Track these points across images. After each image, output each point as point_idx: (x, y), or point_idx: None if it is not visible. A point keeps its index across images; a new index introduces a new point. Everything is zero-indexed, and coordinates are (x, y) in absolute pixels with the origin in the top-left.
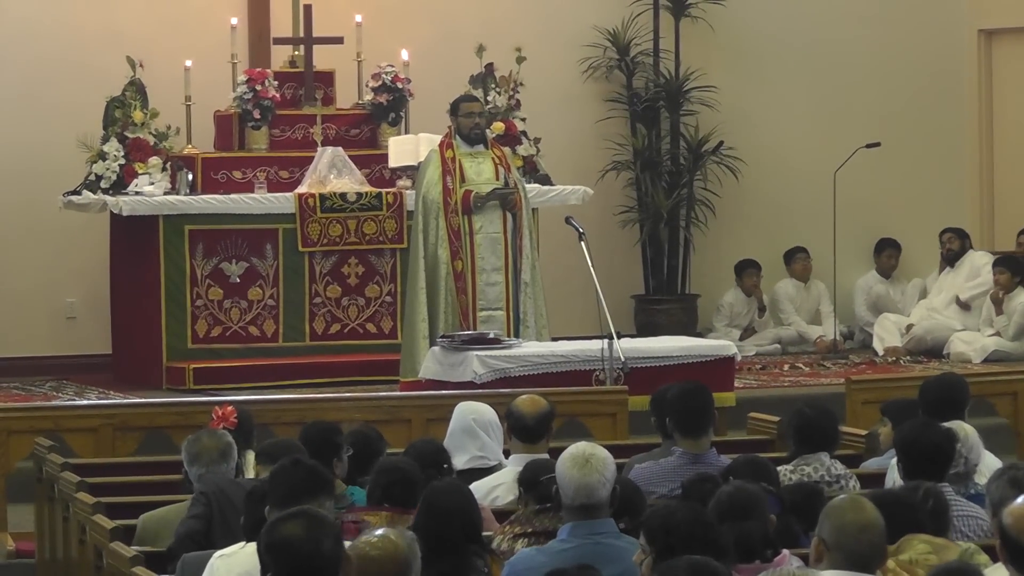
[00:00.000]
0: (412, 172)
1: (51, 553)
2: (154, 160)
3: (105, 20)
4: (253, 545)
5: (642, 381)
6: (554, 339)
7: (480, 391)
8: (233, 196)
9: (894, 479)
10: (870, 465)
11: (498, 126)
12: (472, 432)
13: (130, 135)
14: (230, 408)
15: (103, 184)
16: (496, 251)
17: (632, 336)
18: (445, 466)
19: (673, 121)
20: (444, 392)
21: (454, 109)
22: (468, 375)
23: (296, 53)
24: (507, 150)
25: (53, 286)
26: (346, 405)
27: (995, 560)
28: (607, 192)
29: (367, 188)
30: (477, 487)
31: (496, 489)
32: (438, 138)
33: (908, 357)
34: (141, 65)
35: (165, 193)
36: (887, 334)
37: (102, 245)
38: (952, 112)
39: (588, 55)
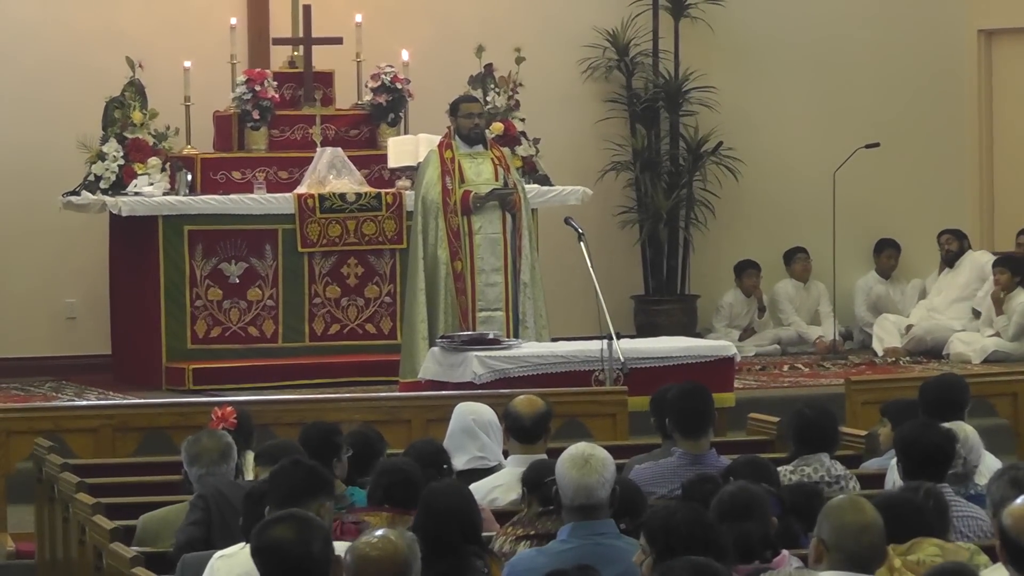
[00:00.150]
0: (411, 172)
1: (51, 554)
2: (153, 160)
3: (105, 20)
4: None
5: (642, 382)
6: (554, 340)
7: (480, 392)
8: (232, 196)
9: (894, 480)
10: (870, 466)
11: (497, 126)
12: (472, 432)
13: (129, 135)
14: (229, 409)
15: (102, 184)
16: (495, 252)
17: (632, 337)
18: (445, 467)
19: (672, 121)
20: (444, 393)
21: (453, 109)
22: (468, 376)
23: (295, 53)
24: (506, 150)
25: (53, 287)
26: (346, 406)
27: (995, 560)
28: (606, 192)
29: (366, 188)
30: (476, 488)
31: (495, 490)
32: (437, 138)
33: (908, 357)
34: (140, 65)
35: (164, 193)
36: (887, 335)
37: (101, 246)
38: (952, 112)
39: (587, 55)
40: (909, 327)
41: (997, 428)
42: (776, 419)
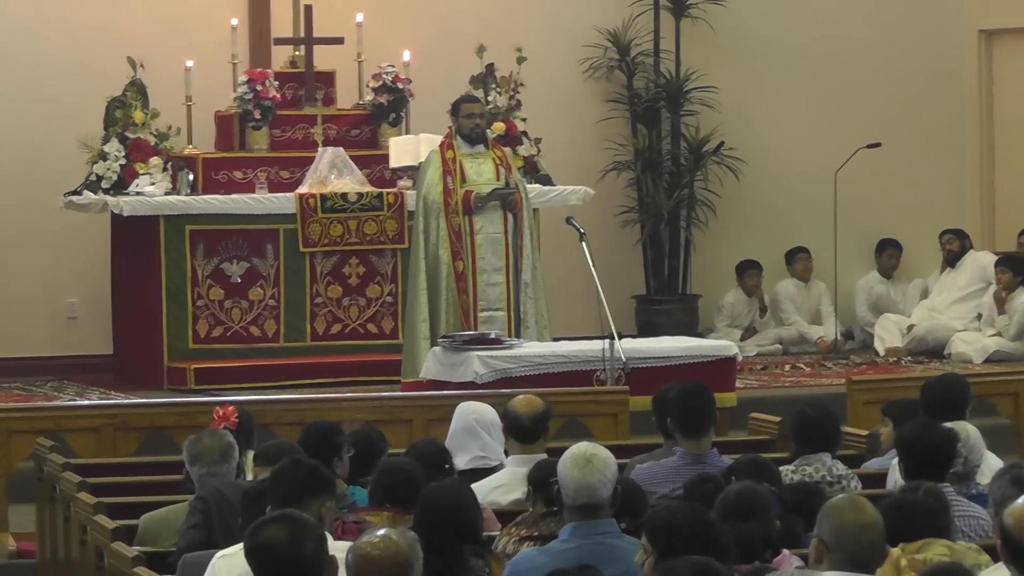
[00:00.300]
0: (413, 172)
1: (52, 553)
2: (155, 160)
3: (106, 20)
4: None
5: (643, 381)
6: (555, 339)
7: (481, 391)
8: (234, 196)
9: (895, 479)
10: (871, 465)
11: (499, 126)
12: (474, 432)
13: (131, 135)
14: (231, 408)
15: (104, 184)
16: (497, 251)
17: (633, 336)
18: (446, 466)
19: (674, 121)
20: (445, 392)
21: (455, 109)
22: (469, 375)
23: (297, 53)
24: (508, 150)
25: (54, 286)
26: (347, 405)
27: (996, 560)
28: (608, 192)
29: (368, 188)
30: (476, 488)
31: (495, 491)
32: (439, 138)
33: (909, 357)
34: (142, 65)
35: (166, 193)
36: (888, 334)
37: (103, 245)
38: (953, 112)
39: (589, 55)
40: (910, 327)
41: (998, 428)
42: (777, 419)
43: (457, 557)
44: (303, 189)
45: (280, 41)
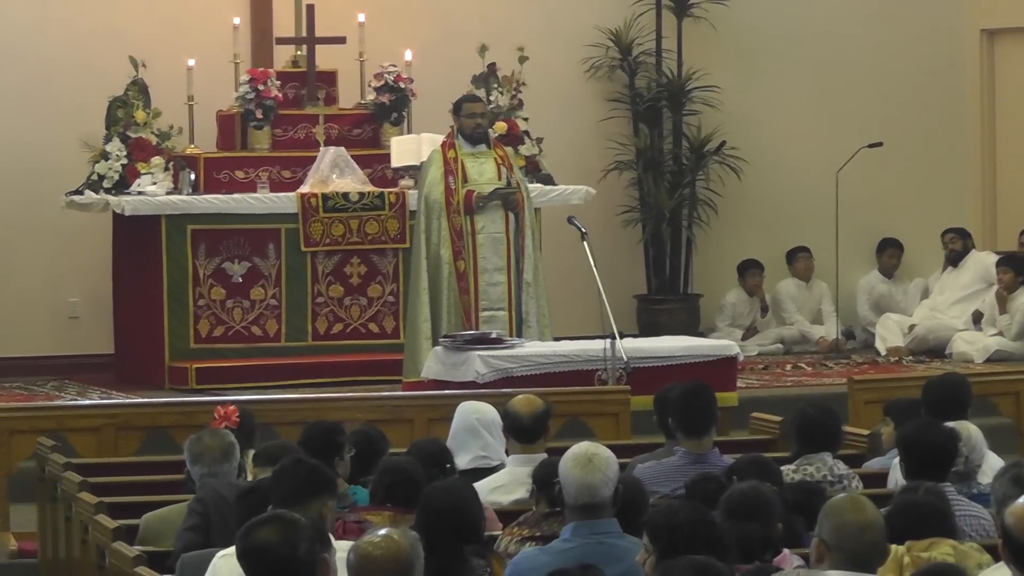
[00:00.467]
0: (414, 172)
1: (53, 553)
2: (156, 160)
3: (107, 20)
4: None
5: (644, 381)
6: (556, 339)
7: (482, 391)
8: (235, 196)
9: (896, 479)
10: (873, 465)
11: (500, 126)
12: (475, 431)
13: (132, 135)
14: (232, 407)
15: (105, 184)
16: (498, 251)
17: (634, 336)
18: (448, 466)
19: (675, 121)
20: (446, 392)
21: (456, 109)
22: (470, 375)
23: (298, 53)
24: (509, 150)
25: (55, 286)
26: (348, 405)
27: (997, 560)
28: (609, 192)
29: (369, 188)
30: (477, 488)
31: (496, 491)
32: (440, 138)
33: (910, 357)
34: (143, 65)
35: (167, 193)
36: (889, 334)
37: (104, 245)
38: (954, 112)
39: (590, 55)
40: (912, 327)
41: (999, 427)
42: (779, 418)
43: (458, 557)
44: (305, 189)
45: (282, 41)
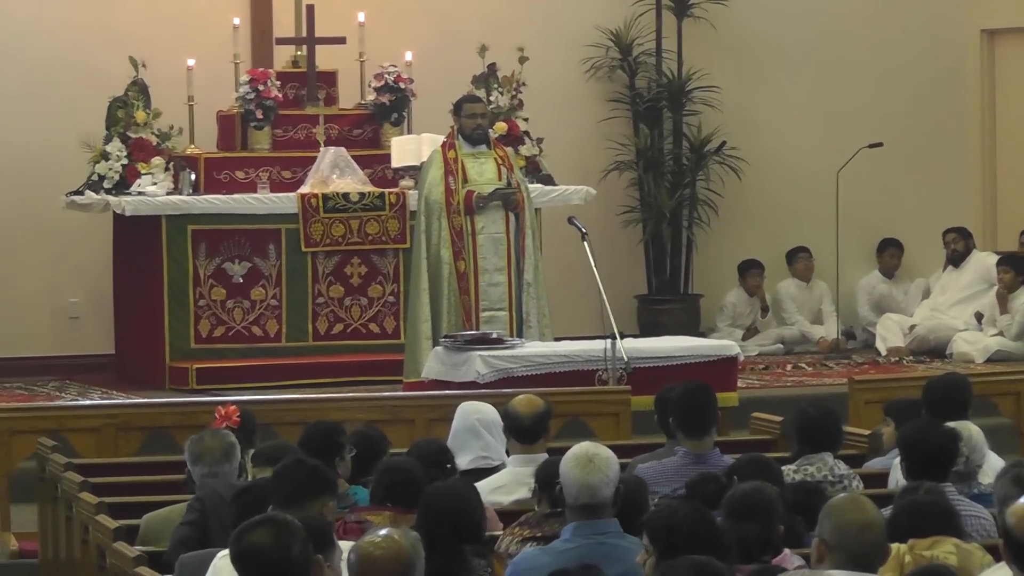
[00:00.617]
0: (415, 172)
1: (54, 553)
2: (157, 160)
3: (107, 20)
4: None
5: (645, 381)
6: (557, 339)
7: (483, 391)
8: (236, 196)
9: (897, 479)
10: (873, 465)
11: (501, 126)
12: (476, 432)
13: (133, 135)
14: (233, 407)
15: (106, 184)
16: (499, 251)
17: (635, 336)
18: (448, 466)
19: (676, 121)
20: (447, 392)
21: (457, 109)
22: (471, 375)
23: (299, 53)
24: (510, 150)
25: (56, 286)
26: (349, 405)
27: (998, 560)
28: (610, 192)
29: (370, 188)
30: (478, 488)
31: (496, 491)
32: (440, 138)
33: (911, 357)
34: (143, 65)
35: (168, 193)
36: (890, 334)
37: (105, 245)
38: (955, 112)
39: (590, 55)
40: (912, 327)
41: (1000, 428)
42: (779, 418)
43: (459, 557)
44: (305, 189)
45: (282, 41)
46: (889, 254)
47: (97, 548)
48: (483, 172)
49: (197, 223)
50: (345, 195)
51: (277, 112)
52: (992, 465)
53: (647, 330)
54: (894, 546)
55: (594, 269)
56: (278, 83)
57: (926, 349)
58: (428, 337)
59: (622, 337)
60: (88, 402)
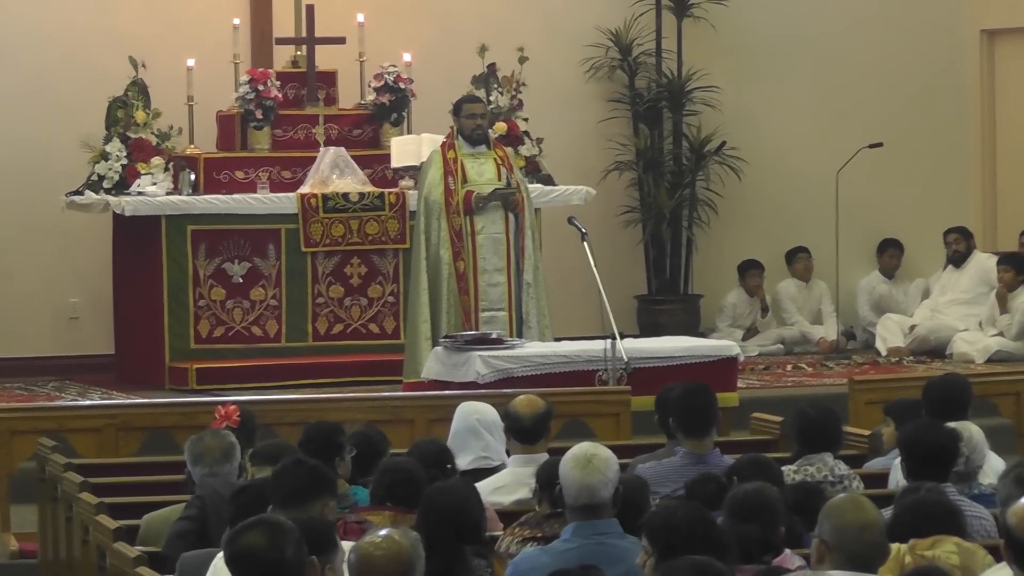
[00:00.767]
0: (414, 172)
1: (54, 553)
2: (156, 160)
3: (107, 20)
4: None
5: (645, 381)
6: (557, 339)
7: (483, 391)
8: (235, 196)
9: (897, 479)
10: (873, 465)
11: (500, 126)
12: (476, 432)
13: (132, 135)
14: (233, 407)
15: (105, 184)
16: (498, 251)
17: (635, 336)
18: (448, 466)
19: (675, 121)
20: (447, 392)
21: (456, 110)
22: (471, 375)
23: (298, 53)
24: (509, 150)
25: (56, 286)
26: (349, 405)
27: (999, 560)
28: (609, 192)
29: (369, 188)
30: (478, 489)
31: (497, 491)
32: (440, 138)
33: (911, 357)
34: (143, 65)
35: (167, 193)
36: (890, 334)
37: (105, 245)
38: (955, 112)
39: (590, 55)
40: (912, 327)
41: (1000, 428)
42: (779, 419)
43: (459, 557)
44: (305, 189)
45: (282, 41)
46: (889, 254)
47: (97, 548)
48: (483, 172)
49: (197, 223)
50: (345, 195)
51: (277, 112)
52: (992, 465)
53: (647, 330)
54: (894, 546)
55: (594, 269)
56: (278, 83)
57: (926, 349)
58: (427, 337)
59: (622, 337)
60: (88, 402)
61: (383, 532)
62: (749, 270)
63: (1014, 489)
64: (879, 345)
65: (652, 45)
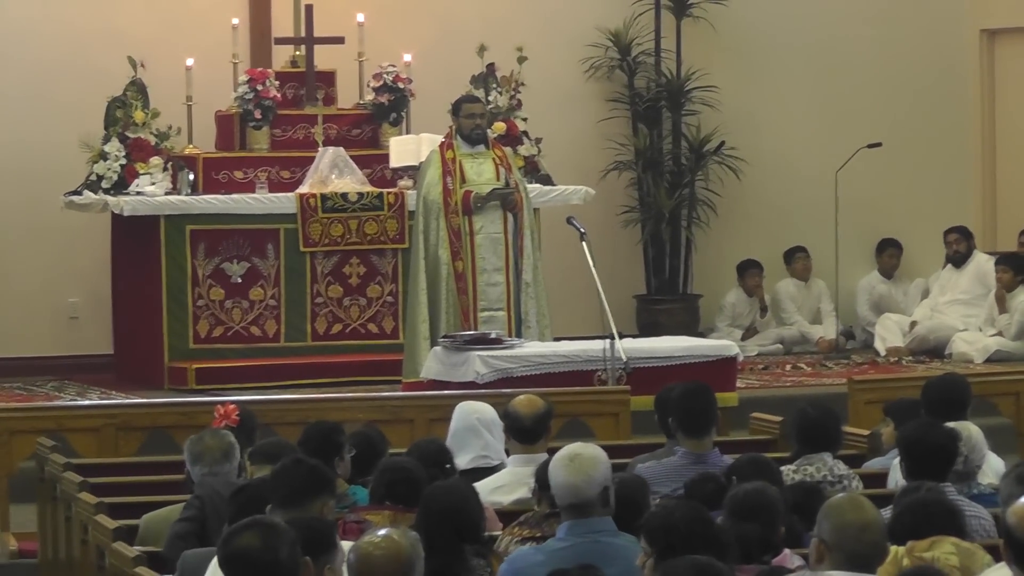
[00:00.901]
0: (413, 172)
1: (53, 553)
2: (155, 160)
3: (106, 20)
4: None
5: (644, 381)
6: (556, 339)
7: (482, 391)
8: (234, 196)
9: (896, 479)
10: (873, 465)
11: (499, 126)
12: (476, 431)
13: (131, 135)
14: (232, 406)
15: (104, 184)
16: (497, 251)
17: (634, 336)
18: (448, 466)
19: (675, 121)
20: (446, 392)
21: (455, 110)
22: (470, 375)
23: (297, 53)
24: (508, 150)
25: (55, 286)
26: (348, 405)
27: (998, 559)
28: (609, 192)
29: (368, 188)
30: (478, 488)
31: (497, 491)
32: (439, 138)
33: (910, 357)
34: (142, 65)
35: (166, 193)
36: (889, 334)
37: (104, 245)
38: (954, 112)
39: (590, 55)
40: (913, 323)
41: (1000, 428)
42: (779, 419)
43: (458, 557)
44: (304, 189)
45: (281, 41)
46: (888, 254)
47: (96, 548)
48: (481, 172)
49: (196, 223)
50: (344, 195)
51: (276, 112)
52: (992, 465)
53: (646, 330)
54: (893, 549)
55: (593, 269)
56: (277, 83)
57: (926, 349)
58: (426, 337)
59: (621, 337)
60: (87, 402)
61: (382, 532)
62: (748, 270)
63: (1015, 488)
64: (878, 345)
65: (651, 45)
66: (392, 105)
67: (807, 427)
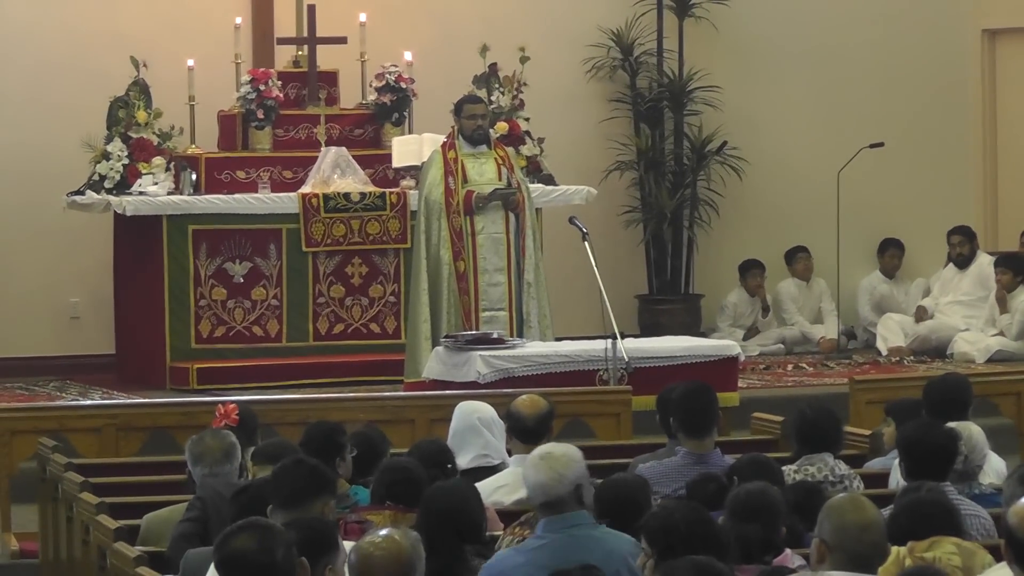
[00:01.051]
0: (415, 172)
1: (55, 553)
2: (158, 160)
3: (108, 21)
4: None
5: (646, 381)
6: (558, 339)
7: (484, 391)
8: (237, 196)
9: (897, 479)
10: (874, 465)
11: (501, 126)
12: (476, 430)
13: (134, 135)
14: (232, 405)
15: (107, 184)
16: (499, 251)
17: (636, 336)
18: (449, 466)
19: (677, 121)
20: (448, 392)
21: (458, 110)
22: (472, 375)
23: (300, 53)
24: (510, 150)
25: (57, 286)
26: (350, 405)
27: (999, 559)
28: (611, 192)
29: (371, 188)
30: (479, 488)
31: (498, 490)
32: (441, 138)
33: (912, 357)
34: (145, 65)
35: (169, 193)
36: (890, 334)
37: (106, 245)
38: (956, 112)
39: (592, 55)
40: (921, 308)
41: (1001, 428)
42: (780, 419)
43: (459, 557)
44: (306, 189)
45: (283, 41)
46: (890, 254)
47: (98, 548)
48: (483, 172)
49: (198, 223)
50: (346, 195)
51: (278, 112)
52: (993, 465)
53: (648, 330)
54: (894, 550)
55: (595, 269)
56: (279, 83)
57: (927, 349)
58: (428, 338)
59: (623, 337)
60: (89, 402)
61: (383, 532)
62: (750, 270)
63: (1018, 488)
64: (880, 345)
65: (653, 45)
66: (394, 105)
67: (808, 427)
